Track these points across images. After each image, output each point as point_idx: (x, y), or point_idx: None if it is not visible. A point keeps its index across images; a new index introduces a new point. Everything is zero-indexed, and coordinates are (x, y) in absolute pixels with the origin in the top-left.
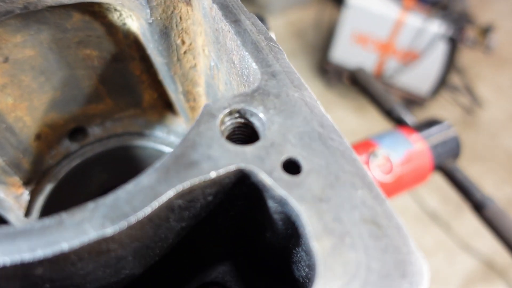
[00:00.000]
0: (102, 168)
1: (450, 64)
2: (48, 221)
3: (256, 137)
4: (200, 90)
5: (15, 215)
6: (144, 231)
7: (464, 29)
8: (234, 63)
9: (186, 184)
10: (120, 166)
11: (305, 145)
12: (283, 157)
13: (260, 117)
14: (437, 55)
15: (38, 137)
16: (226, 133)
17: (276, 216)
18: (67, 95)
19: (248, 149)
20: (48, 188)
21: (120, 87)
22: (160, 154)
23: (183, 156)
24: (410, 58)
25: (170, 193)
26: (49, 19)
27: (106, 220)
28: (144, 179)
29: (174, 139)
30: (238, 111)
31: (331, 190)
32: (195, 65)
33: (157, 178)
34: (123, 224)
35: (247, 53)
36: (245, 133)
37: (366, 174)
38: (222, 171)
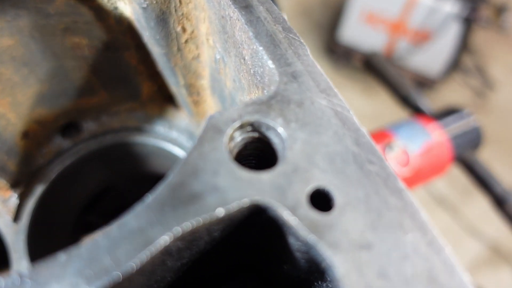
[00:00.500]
0: (98, 166)
1: (463, 45)
2: (5, 281)
3: (274, 158)
4: (205, 83)
5: (3, 221)
6: (133, 282)
7: (478, 8)
8: (244, 59)
9: (186, 226)
10: (117, 164)
11: (337, 171)
12: (310, 187)
13: (278, 132)
14: (450, 35)
15: (25, 135)
16: (236, 150)
17: (299, 255)
18: (56, 88)
19: (265, 176)
20: (38, 190)
21: (115, 79)
22: (161, 151)
23: (182, 187)
24: (422, 38)
25: (165, 238)
26: (27, 3)
27: (81, 278)
28: (132, 221)
29: (177, 135)
30: (251, 124)
31: (373, 233)
32: (198, 56)
33: (149, 219)
34: (103, 284)
35: (261, 48)
36: (259, 151)
37: (417, 210)
38: (232, 207)
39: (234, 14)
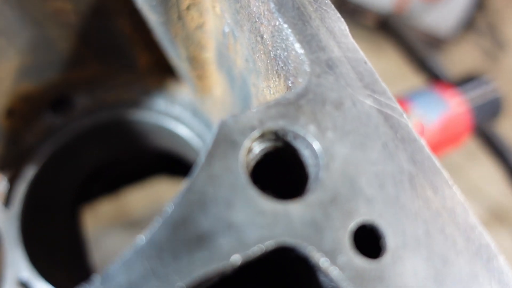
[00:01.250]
0: (93, 145)
1: (477, 3)
2: None
3: (303, 177)
4: (210, 56)
5: None
6: None
7: None
8: (262, 37)
9: (191, 281)
10: (114, 143)
11: (389, 200)
12: (354, 224)
13: (309, 143)
14: None
15: (10, 113)
16: (253, 164)
17: None
18: (41, 60)
19: (294, 208)
20: (30, 172)
21: (108, 48)
22: (161, 129)
23: (186, 225)
24: None
25: None
26: None
27: None
28: (120, 274)
29: (179, 111)
30: (275, 132)
31: None
32: (202, 25)
33: (143, 271)
34: None
35: (285, 25)
36: (284, 166)
37: (494, 255)
38: (252, 252)
39: None
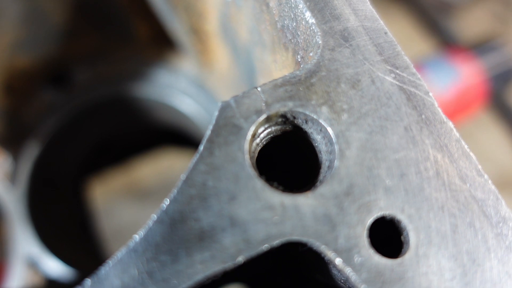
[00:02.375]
0: (96, 121)
1: None
2: None
3: (316, 164)
4: (212, 28)
5: (1, 185)
6: None
7: None
8: (268, 6)
9: (192, 279)
10: (118, 117)
11: (411, 191)
12: (372, 219)
13: (322, 127)
14: None
15: (9, 89)
16: (259, 149)
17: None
18: (37, 34)
19: (305, 202)
20: (34, 150)
21: (107, 20)
22: (165, 103)
23: (185, 221)
24: None
25: None
26: None
27: None
28: (113, 276)
29: (184, 85)
30: (283, 115)
31: None
32: None
33: (137, 273)
34: None
35: None
36: (293, 153)
37: None
38: (257, 252)
39: None
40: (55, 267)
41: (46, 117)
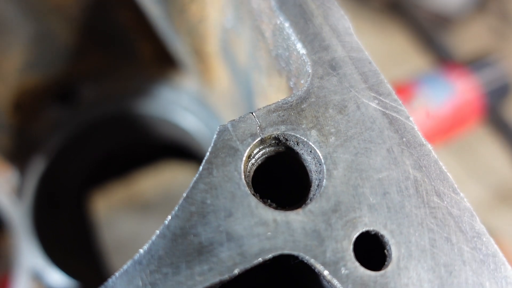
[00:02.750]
0: (100, 137)
1: None
2: None
3: (305, 184)
4: (213, 50)
5: (8, 200)
6: None
7: None
8: (263, 36)
9: None
10: (122, 132)
11: (393, 208)
12: (357, 234)
13: (312, 149)
14: None
15: (18, 107)
16: (254, 169)
17: None
18: (46, 54)
19: (296, 218)
20: (40, 165)
21: (112, 40)
22: (168, 119)
23: (186, 236)
24: None
25: None
26: None
27: None
28: (119, 287)
29: (186, 102)
30: (276, 138)
31: None
32: (204, 19)
33: (143, 285)
34: None
35: (287, 24)
36: (285, 171)
37: (503, 262)
38: (253, 264)
39: None
40: (58, 279)
41: (52, 133)
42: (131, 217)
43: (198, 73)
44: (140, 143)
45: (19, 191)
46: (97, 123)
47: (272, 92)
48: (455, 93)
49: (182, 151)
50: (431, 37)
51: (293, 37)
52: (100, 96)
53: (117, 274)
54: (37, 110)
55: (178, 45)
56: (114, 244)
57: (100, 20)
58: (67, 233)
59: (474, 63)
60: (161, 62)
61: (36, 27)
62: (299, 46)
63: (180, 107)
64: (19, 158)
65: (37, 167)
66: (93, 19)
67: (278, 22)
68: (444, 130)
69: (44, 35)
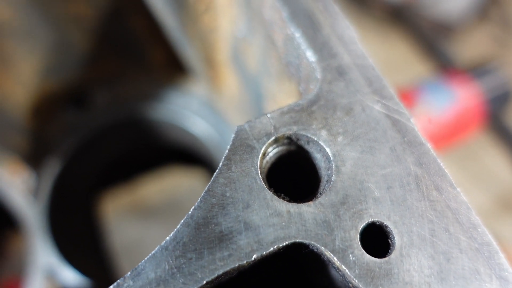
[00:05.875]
0: (113, 140)
1: None
2: None
3: (315, 178)
4: (224, 58)
5: (24, 200)
6: None
7: None
8: (275, 44)
9: (213, 276)
10: (133, 136)
11: (396, 201)
12: (363, 224)
13: (321, 147)
14: None
15: (36, 110)
16: (268, 166)
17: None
18: (64, 61)
19: (307, 209)
20: (56, 166)
21: (126, 48)
22: (179, 124)
23: (207, 225)
24: None
25: None
26: None
27: None
28: (149, 270)
29: (198, 107)
30: (289, 137)
31: (442, 286)
32: (217, 28)
33: (170, 268)
34: None
35: (297, 35)
36: (297, 168)
37: (496, 251)
38: (269, 251)
39: None
40: (71, 278)
41: (67, 136)
42: (136, 221)
43: (208, 79)
44: (149, 147)
45: (35, 192)
46: (110, 127)
47: (281, 97)
48: (457, 99)
49: (190, 155)
50: (433, 44)
51: (304, 46)
52: (113, 101)
53: (146, 260)
54: (53, 114)
55: (189, 53)
56: (119, 247)
57: (115, 29)
58: (79, 233)
59: (476, 71)
60: (172, 68)
61: (56, 35)
62: (309, 54)
63: (190, 112)
64: (35, 160)
65: (52, 168)
66: (108, 28)
67: (289, 32)
68: (446, 136)
69: (63, 43)
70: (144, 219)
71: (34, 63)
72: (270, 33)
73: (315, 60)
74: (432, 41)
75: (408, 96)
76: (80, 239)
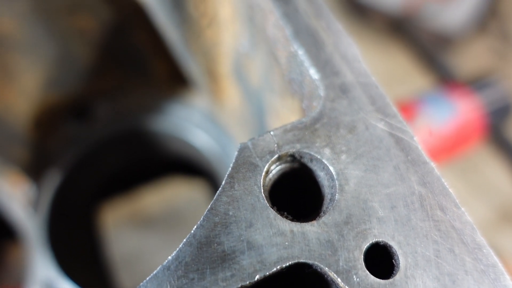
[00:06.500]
0: (114, 152)
1: (488, 4)
2: None
3: (318, 198)
4: (226, 71)
5: (24, 212)
6: None
7: None
8: (278, 61)
9: None
10: (134, 148)
11: (400, 221)
12: (367, 245)
13: (325, 165)
14: None
15: (37, 123)
16: (271, 183)
17: None
18: (67, 73)
19: (311, 229)
20: (56, 179)
21: (129, 61)
22: (180, 137)
23: (210, 244)
24: None
25: None
26: None
27: None
28: None
29: (200, 120)
30: (292, 155)
31: None
32: (220, 43)
33: None
34: None
35: (300, 52)
36: (300, 186)
37: (502, 273)
38: (271, 270)
39: (266, 4)
40: None
41: (68, 148)
42: (136, 232)
43: (210, 92)
44: (151, 158)
45: (35, 204)
46: (111, 139)
47: (284, 112)
48: (458, 112)
49: (191, 167)
50: (433, 57)
51: (307, 63)
52: (115, 113)
53: (147, 279)
54: (54, 126)
55: (192, 66)
56: (118, 258)
57: (118, 42)
58: (78, 245)
59: (476, 83)
60: (174, 81)
61: (59, 48)
62: (312, 71)
63: (192, 124)
64: (35, 172)
65: (53, 180)
66: (111, 41)
67: (293, 49)
68: (446, 149)
69: (66, 56)
70: (144, 230)
71: (37, 75)
72: (273, 50)
73: (318, 77)
74: (432, 53)
75: (408, 108)
76: (79, 251)
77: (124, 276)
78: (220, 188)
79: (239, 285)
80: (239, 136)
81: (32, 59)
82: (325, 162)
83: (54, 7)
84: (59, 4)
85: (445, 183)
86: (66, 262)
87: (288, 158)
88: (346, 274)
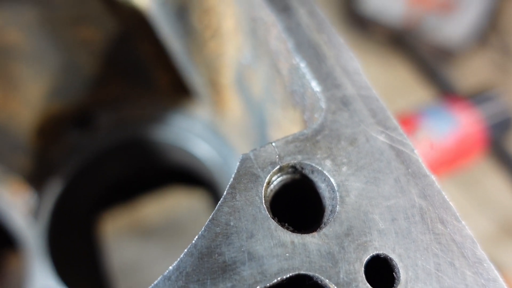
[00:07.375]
0: (115, 162)
1: (488, 16)
2: None
3: (319, 209)
4: (228, 83)
5: (24, 221)
6: None
7: None
8: (280, 73)
9: None
10: (135, 158)
11: (401, 233)
12: (368, 257)
13: (326, 177)
14: (475, 5)
15: (40, 131)
16: (272, 194)
17: None
18: (70, 83)
19: (312, 241)
20: (57, 187)
21: (132, 72)
22: (182, 146)
23: (211, 255)
24: (445, 8)
25: None
26: None
27: None
28: None
29: (202, 130)
30: (293, 166)
31: None
32: (222, 54)
33: None
34: None
35: (303, 65)
36: (301, 197)
37: (502, 287)
38: (271, 282)
39: (269, 18)
40: None
41: (70, 157)
42: (135, 241)
43: (212, 103)
44: (152, 168)
45: (35, 213)
46: (113, 148)
47: (286, 124)
48: (458, 125)
49: (192, 177)
50: (434, 70)
51: (308, 75)
52: (117, 123)
53: None
54: (57, 135)
55: (194, 77)
56: (117, 268)
57: (122, 53)
58: (78, 255)
59: (476, 97)
60: (177, 91)
61: (64, 58)
62: (313, 84)
63: (193, 134)
64: (37, 181)
65: (54, 189)
66: (115, 52)
67: (295, 62)
68: (447, 162)
69: (70, 66)
70: (144, 240)
71: (41, 85)
72: (275, 62)
73: (320, 90)
74: (432, 67)
75: (409, 121)
76: (79, 260)
77: (124, 286)
78: (221, 199)
79: None
80: (241, 147)
81: (37, 69)
82: (326, 173)
83: (59, 19)
84: (64, 16)
85: (446, 196)
86: (66, 272)
87: (290, 170)
88: (346, 287)
